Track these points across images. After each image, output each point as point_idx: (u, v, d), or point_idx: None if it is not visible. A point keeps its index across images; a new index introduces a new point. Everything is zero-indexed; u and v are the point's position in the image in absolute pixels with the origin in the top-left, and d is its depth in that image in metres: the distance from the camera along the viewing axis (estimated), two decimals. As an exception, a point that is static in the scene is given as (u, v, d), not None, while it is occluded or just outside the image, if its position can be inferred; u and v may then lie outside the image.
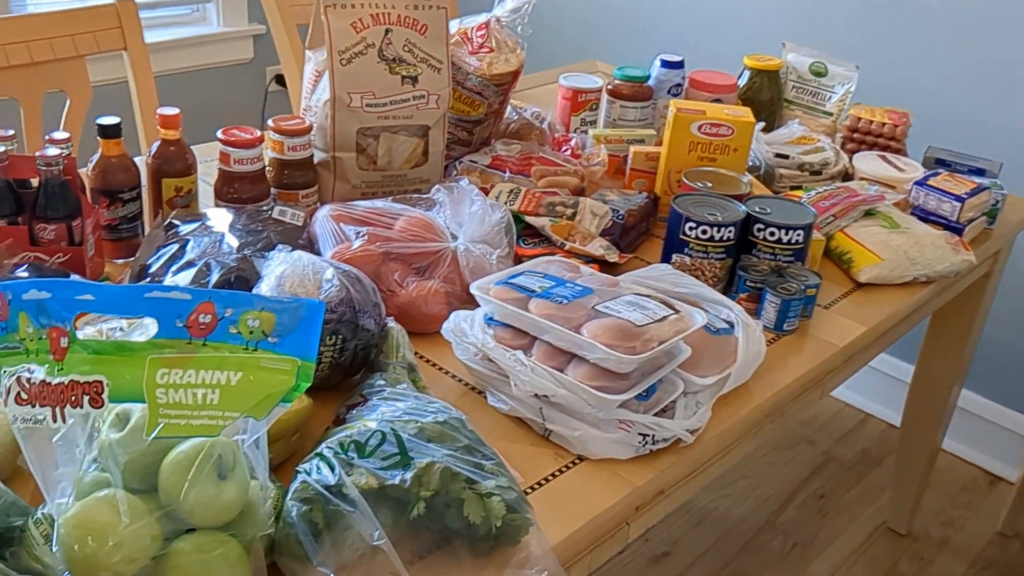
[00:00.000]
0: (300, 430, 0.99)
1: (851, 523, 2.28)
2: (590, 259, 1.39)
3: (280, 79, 3.17)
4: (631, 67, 1.86)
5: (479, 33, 1.58)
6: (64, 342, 0.76)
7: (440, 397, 1.11)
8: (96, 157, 1.29)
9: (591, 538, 1.00)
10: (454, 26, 1.58)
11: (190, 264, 1.19)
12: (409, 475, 0.85)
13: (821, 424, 2.60)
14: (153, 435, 0.74)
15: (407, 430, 0.90)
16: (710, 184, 1.47)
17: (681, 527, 2.21)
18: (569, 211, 1.47)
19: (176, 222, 1.30)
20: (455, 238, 1.29)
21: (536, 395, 1.05)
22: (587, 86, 1.84)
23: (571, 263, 1.20)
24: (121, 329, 0.90)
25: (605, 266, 1.39)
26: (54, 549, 0.74)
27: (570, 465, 1.05)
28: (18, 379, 0.78)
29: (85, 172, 1.30)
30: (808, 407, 1.59)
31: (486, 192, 1.53)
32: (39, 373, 0.77)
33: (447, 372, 1.19)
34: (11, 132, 1.20)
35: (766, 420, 1.24)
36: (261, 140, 1.37)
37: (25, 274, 1.11)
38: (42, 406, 0.77)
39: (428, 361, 1.20)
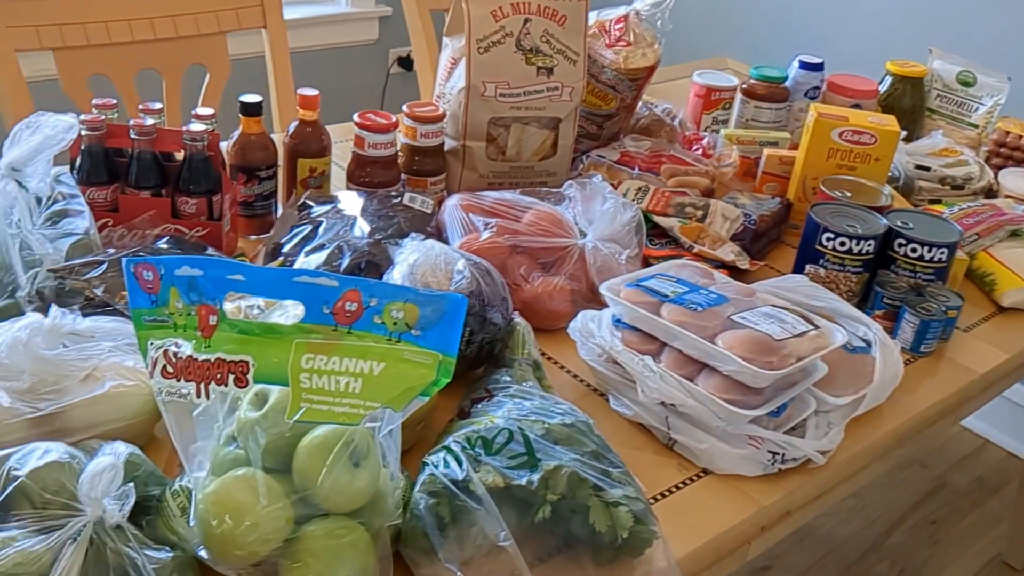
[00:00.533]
0: (425, 421, 0.99)
1: (963, 553, 2.19)
2: (719, 264, 1.35)
3: (403, 62, 3.19)
4: (768, 67, 1.80)
5: (617, 26, 1.55)
6: (213, 320, 0.77)
7: (561, 396, 1.10)
8: (236, 134, 1.31)
9: (714, 555, 0.97)
10: (592, 18, 1.55)
11: (322, 247, 1.20)
12: (536, 477, 0.84)
13: (937, 447, 2.49)
14: (295, 419, 0.74)
15: (534, 430, 0.89)
16: (849, 194, 1.42)
17: (784, 542, 2.15)
18: (699, 213, 1.44)
19: (310, 203, 1.31)
20: (583, 235, 1.27)
21: (663, 403, 1.03)
22: (721, 84, 1.79)
23: (704, 268, 1.17)
24: (260, 308, 0.91)
25: (734, 272, 1.35)
26: (191, 523, 0.76)
27: (694, 478, 1.02)
28: (165, 352, 0.79)
29: (225, 148, 1.32)
30: (939, 434, 1.52)
31: (614, 188, 1.50)
32: (186, 348, 0.78)
33: (568, 371, 1.17)
34: (159, 106, 1.23)
35: (896, 446, 1.19)
36: (395, 125, 1.37)
37: (165, 246, 1.14)
38: (187, 381, 0.78)
39: (549, 358, 1.18)
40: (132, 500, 0.77)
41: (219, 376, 0.76)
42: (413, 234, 1.11)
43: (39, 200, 1.17)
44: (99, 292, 1.05)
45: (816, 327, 1.05)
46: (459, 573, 0.78)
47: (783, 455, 1.02)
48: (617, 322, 1.10)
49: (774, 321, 1.03)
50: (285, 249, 1.22)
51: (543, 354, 1.19)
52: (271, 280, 0.76)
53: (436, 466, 0.85)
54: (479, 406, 0.98)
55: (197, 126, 1.19)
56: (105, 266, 1.06)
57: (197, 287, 0.78)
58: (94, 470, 0.75)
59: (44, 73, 1.65)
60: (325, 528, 0.77)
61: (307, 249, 1.21)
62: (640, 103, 1.72)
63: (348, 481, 0.77)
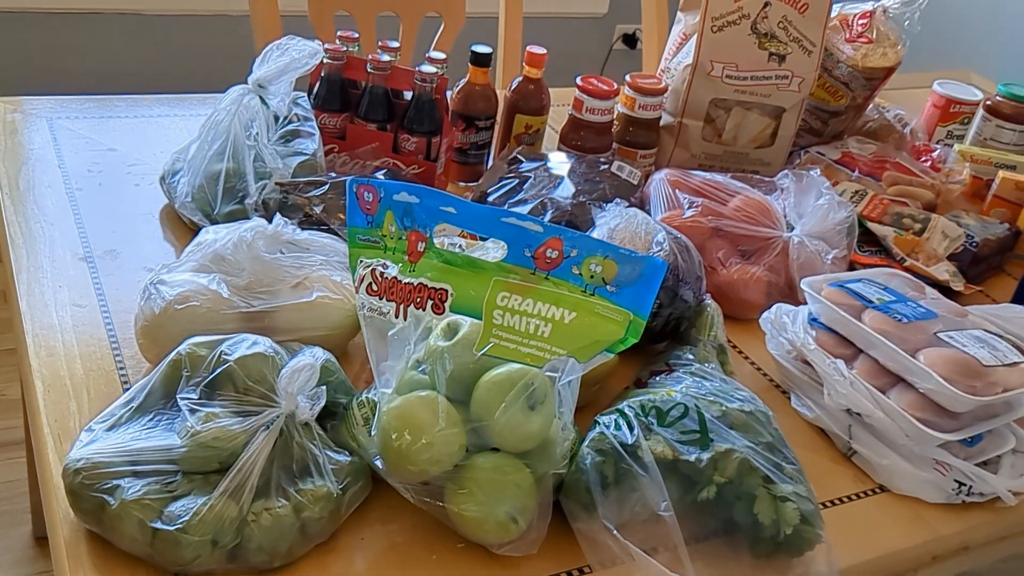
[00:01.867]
0: (601, 383, 1.00)
1: None
2: (930, 281, 1.28)
3: (627, 38, 3.18)
4: (1018, 85, 1.67)
5: (861, 21, 1.48)
6: (421, 246, 0.80)
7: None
8: (462, 82, 1.35)
9: (877, 575, 0.93)
10: (835, 10, 1.49)
11: (526, 201, 1.23)
12: (706, 456, 0.83)
13: None
14: (483, 352, 0.77)
15: (711, 411, 0.88)
16: (1091, 230, 1.30)
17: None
18: (918, 226, 1.36)
19: (521, 158, 1.34)
20: (791, 228, 1.23)
21: (848, 411, 0.99)
22: (963, 96, 1.68)
23: (916, 282, 1.11)
24: (461, 247, 0.95)
25: (945, 293, 1.27)
26: (372, 432, 0.80)
27: (869, 492, 0.98)
28: (372, 271, 0.84)
29: (450, 95, 1.36)
30: None
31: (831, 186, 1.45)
32: (392, 270, 0.82)
33: (752, 362, 1.14)
34: (396, 45, 1.28)
35: (1101, 505, 1.09)
36: (616, 93, 1.37)
37: (383, 177, 1.19)
38: (388, 300, 0.82)
39: (735, 346, 1.16)
40: (323, 402, 0.82)
41: (419, 300, 0.79)
42: (617, 200, 1.11)
43: (277, 118, 1.25)
44: (318, 210, 1.11)
45: (1031, 360, 0.98)
46: (616, 532, 0.79)
47: (970, 487, 0.96)
48: (813, 321, 1.06)
49: (984, 346, 0.97)
50: (491, 198, 1.26)
51: (729, 341, 1.16)
52: (481, 216, 0.78)
53: (607, 426, 0.86)
54: (657, 378, 0.98)
55: (429, 68, 1.23)
56: (327, 187, 1.13)
57: (412, 213, 0.81)
58: (294, 367, 0.80)
59: (295, 9, 1.75)
60: (493, 462, 0.80)
61: (512, 201, 1.23)
62: (872, 105, 1.64)
63: (521, 421, 0.79)
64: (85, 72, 2.46)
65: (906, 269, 1.31)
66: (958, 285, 1.28)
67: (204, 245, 0.97)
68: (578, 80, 1.37)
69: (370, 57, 1.23)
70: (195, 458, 0.76)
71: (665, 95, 1.43)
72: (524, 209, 1.20)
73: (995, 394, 0.93)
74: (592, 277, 0.75)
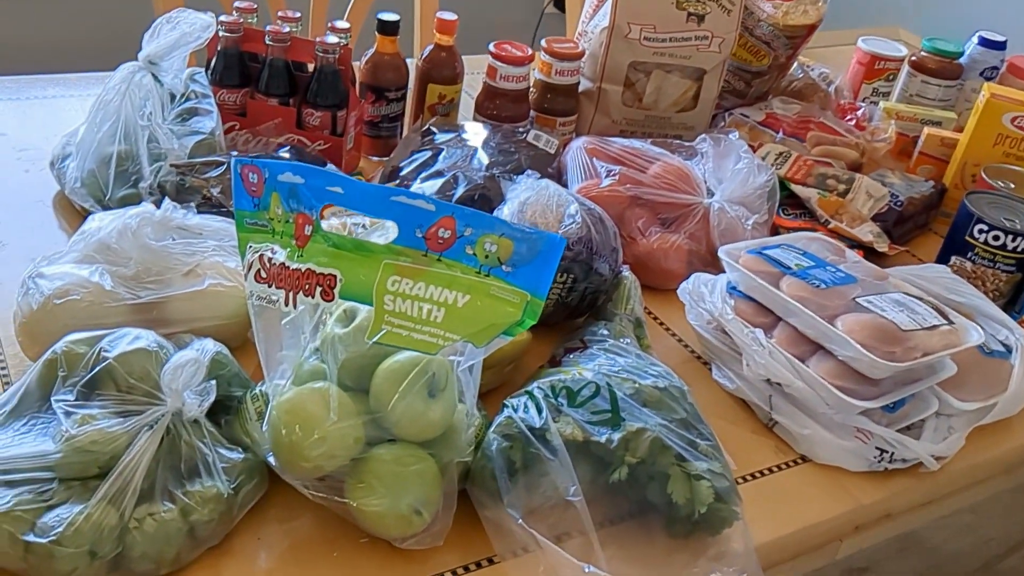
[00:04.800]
0: (515, 362, 0.96)
1: (1086, 589, 2.03)
2: (854, 243, 1.26)
3: (558, 1, 3.12)
4: (943, 40, 1.66)
5: (780, -22, 1.45)
6: (308, 230, 0.76)
7: (662, 359, 1.05)
8: (370, 52, 1.29)
9: (800, 547, 0.91)
10: (754, -33, 1.46)
11: (439, 174, 1.18)
12: (617, 436, 0.80)
13: (1073, 472, 2.31)
14: (374, 339, 0.72)
15: (623, 388, 0.85)
16: (1012, 185, 1.29)
17: (886, 548, 2.04)
18: (842, 187, 1.34)
19: (434, 129, 1.29)
20: (711, 194, 1.20)
21: (768, 381, 0.96)
22: (888, 53, 1.66)
23: (836, 244, 1.09)
24: (364, 227, 0.90)
25: (870, 255, 1.25)
26: (264, 428, 0.75)
27: (791, 463, 0.96)
28: (260, 257, 0.79)
29: (358, 66, 1.31)
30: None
31: (753, 151, 1.42)
32: (280, 255, 0.77)
33: (673, 334, 1.12)
34: (298, 15, 1.22)
35: (1024, 464, 1.09)
36: (531, 59, 1.33)
37: (287, 155, 1.14)
38: (278, 288, 0.77)
39: (655, 318, 1.13)
40: (212, 397, 0.77)
41: (307, 287, 0.75)
42: (529, 172, 1.07)
43: (173, 96, 1.19)
44: (216, 192, 1.06)
45: (950, 322, 0.96)
46: (521, 521, 0.76)
47: (892, 454, 0.94)
48: (732, 289, 1.03)
49: (903, 310, 0.95)
50: (403, 172, 1.21)
51: (649, 313, 1.14)
52: (368, 196, 0.74)
53: (515, 409, 0.82)
54: (571, 356, 0.94)
55: (331, 38, 1.17)
56: (224, 167, 1.07)
57: (297, 195, 0.76)
58: (176, 362, 0.75)
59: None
60: (394, 454, 0.76)
61: (424, 175, 1.19)
62: (796, 64, 1.62)
63: (421, 410, 0.75)
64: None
65: (830, 232, 1.29)
66: (882, 246, 1.27)
67: (88, 234, 0.91)
68: (491, 47, 1.32)
69: (268, 28, 1.16)
70: (72, 464, 0.72)
71: (583, 60, 1.38)
72: (437, 183, 1.16)
73: (913, 359, 0.91)
74: (487, 257, 0.71)
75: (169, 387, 0.75)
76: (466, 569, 0.78)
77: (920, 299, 0.99)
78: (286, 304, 0.77)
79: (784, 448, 0.97)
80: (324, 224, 0.76)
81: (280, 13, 1.21)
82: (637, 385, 0.86)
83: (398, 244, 0.73)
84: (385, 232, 0.75)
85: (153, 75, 1.13)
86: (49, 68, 1.45)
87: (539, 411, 0.82)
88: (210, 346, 0.81)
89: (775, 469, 0.95)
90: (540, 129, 1.31)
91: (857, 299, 0.96)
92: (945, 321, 0.96)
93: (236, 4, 1.20)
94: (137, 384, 0.76)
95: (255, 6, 1.21)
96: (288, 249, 0.77)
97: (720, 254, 1.03)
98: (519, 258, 0.71)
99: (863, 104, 1.57)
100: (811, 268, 1.00)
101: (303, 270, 0.75)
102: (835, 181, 1.35)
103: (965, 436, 0.99)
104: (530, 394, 0.84)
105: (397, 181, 1.20)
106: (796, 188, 1.33)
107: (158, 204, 0.95)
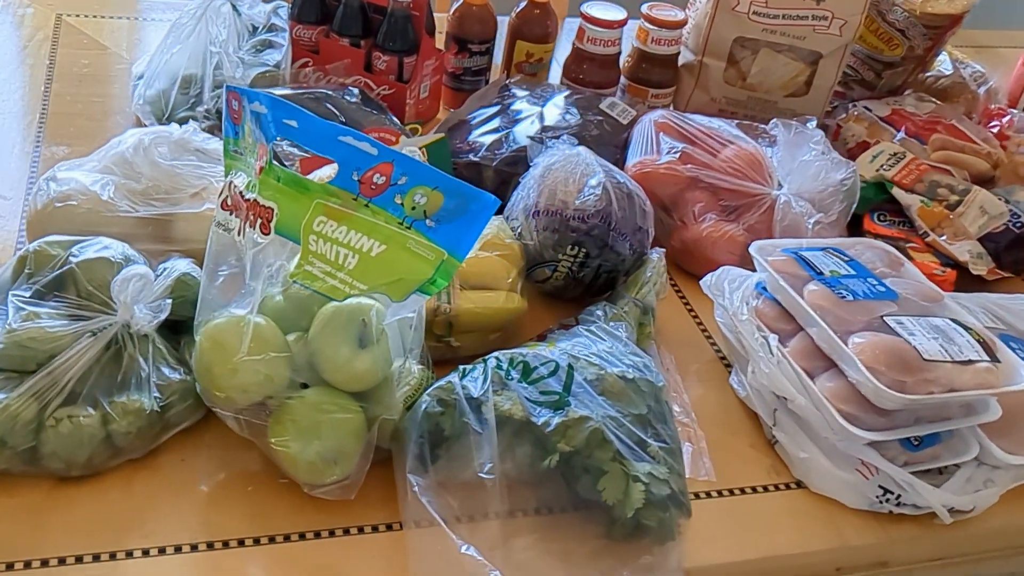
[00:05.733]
0: (502, 331, 0.92)
1: None
2: (949, 262, 1.12)
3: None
4: None
5: (923, -42, 1.29)
6: (263, 161, 0.75)
7: (685, 356, 0.98)
8: (459, 2, 1.27)
9: (763, 577, 0.82)
10: (896, -57, 1.31)
11: (496, 130, 1.15)
12: (556, 420, 0.75)
13: None
14: (294, 280, 0.71)
15: (586, 372, 0.79)
16: None
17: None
18: (954, 197, 1.19)
19: (512, 87, 1.25)
20: (781, 186, 1.09)
21: (776, 394, 0.87)
22: (1059, 56, 1.46)
23: (895, 255, 0.96)
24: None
25: (965, 277, 1.11)
26: (192, 355, 0.76)
27: (782, 487, 0.86)
28: (229, 184, 0.79)
29: (447, 15, 1.29)
30: None
31: (866, 147, 1.29)
32: (242, 183, 0.77)
33: (704, 330, 1.03)
34: (383, -45, 1.21)
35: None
36: (623, 23, 1.25)
37: (343, 97, 1.13)
38: (235, 216, 0.77)
39: (691, 311, 1.05)
40: (164, 314, 0.79)
41: (252, 218, 0.74)
42: (565, 136, 1.02)
43: (256, 28, 1.21)
44: (260, 123, 1.07)
45: (995, 360, 0.83)
46: (416, 490, 0.72)
47: (899, 496, 0.83)
48: (761, 288, 0.94)
49: (938, 337, 0.83)
50: (470, 127, 1.18)
51: (687, 305, 1.06)
52: (318, 133, 0.72)
53: (464, 375, 0.79)
54: (556, 332, 0.89)
55: (403, -19, 1.16)
56: (273, 100, 1.08)
57: (260, 125, 0.75)
58: (123, 276, 0.77)
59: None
60: (317, 399, 0.74)
61: (482, 130, 1.15)
62: (947, 59, 1.45)
63: (346, 359, 0.73)
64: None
65: (928, 246, 1.15)
66: (979, 269, 1.11)
67: (111, 145, 0.95)
68: (583, 7, 1.26)
69: (347, -34, 1.16)
70: (11, 356, 0.75)
71: (686, 29, 1.30)
72: (489, 138, 1.12)
73: (928, 393, 0.79)
74: (413, 209, 0.68)
75: (118, 298, 0.77)
76: (375, 529, 0.76)
77: (969, 329, 0.86)
78: (238, 234, 0.76)
79: (780, 469, 0.88)
80: (279, 155, 0.74)
81: (365, -47, 1.21)
82: (602, 372, 0.80)
83: (333, 184, 0.70)
84: (328, 171, 0.72)
85: (233, 5, 1.16)
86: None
87: (485, 380, 0.77)
88: (181, 266, 0.82)
89: (762, 489, 0.86)
90: (621, 99, 1.24)
91: (885, 317, 0.85)
92: (987, 358, 0.82)
93: (326, -59, 1.21)
94: (95, 292, 0.78)
95: (344, -56, 1.21)
96: (249, 179, 0.77)
97: (751, 249, 0.94)
98: (445, 214, 0.67)
99: (1015, 112, 1.38)
100: (846, 277, 0.89)
101: (251, 200, 0.74)
102: (947, 191, 1.20)
103: (1001, 493, 0.85)
104: (485, 362, 0.80)
105: (459, 131, 1.18)
106: (898, 193, 1.19)
107: (218, 130, 0.97)
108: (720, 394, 0.95)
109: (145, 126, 1.13)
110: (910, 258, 1.11)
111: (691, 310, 1.06)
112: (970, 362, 0.82)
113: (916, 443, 0.85)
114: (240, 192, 0.77)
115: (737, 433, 0.91)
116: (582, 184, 0.95)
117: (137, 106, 1.14)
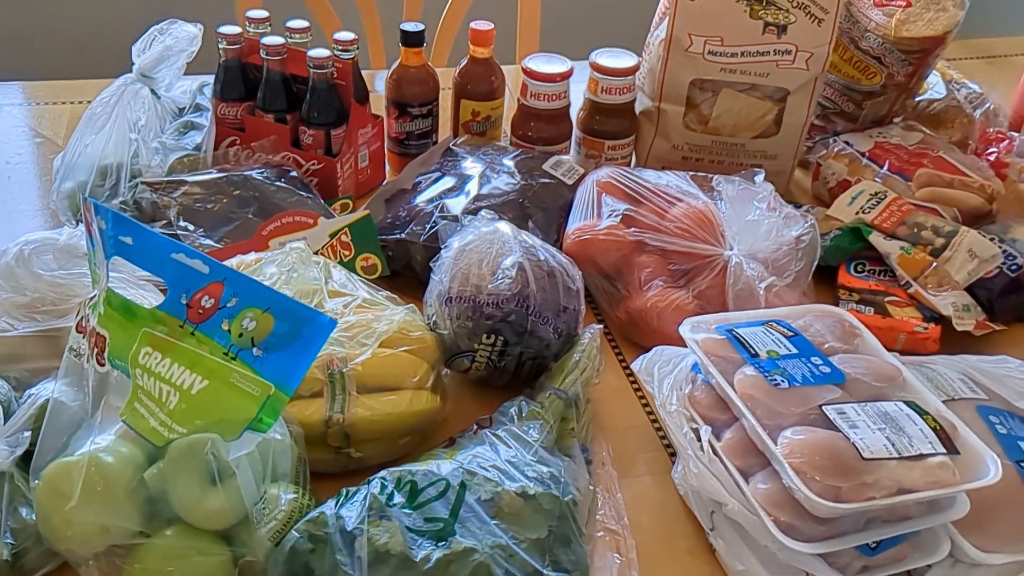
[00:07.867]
0: (412, 434, 0.84)
1: None
2: (934, 316, 1.01)
3: None
4: None
5: (892, -21, 1.19)
6: (104, 283, 0.68)
7: (626, 444, 0.89)
8: (395, 65, 1.20)
9: None
10: (862, -36, 1.21)
11: (433, 199, 1.07)
12: (437, 555, 0.67)
13: None
14: (123, 418, 0.64)
15: (481, 491, 0.71)
16: None
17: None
18: (939, 240, 1.08)
19: (457, 150, 1.18)
20: (732, 247, 1.00)
21: (711, 494, 0.77)
22: (1064, 70, 1.33)
23: (851, 325, 0.85)
24: (248, 264, 0.82)
25: (951, 332, 0.99)
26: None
27: (722, 602, 0.76)
28: (82, 304, 0.73)
29: (385, 78, 1.22)
30: None
31: (847, 186, 1.18)
32: (88, 307, 0.71)
33: (650, 412, 0.94)
34: (304, 24, 1.15)
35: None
36: (567, 75, 1.17)
37: (257, 176, 1.07)
38: (86, 339, 0.71)
39: (638, 390, 0.96)
40: (22, 448, 0.73)
41: (91, 346, 0.68)
42: (484, 211, 0.94)
43: (182, 109, 1.16)
44: (172, 214, 1.01)
45: (953, 452, 0.72)
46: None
47: (853, 614, 0.72)
48: (699, 371, 0.85)
49: (886, 427, 0.72)
50: (409, 198, 1.10)
51: (632, 381, 0.97)
52: (151, 250, 0.65)
53: (342, 503, 0.71)
54: (466, 435, 0.81)
55: (321, 52, 1.09)
56: (186, 188, 1.03)
57: (103, 242, 0.69)
58: (-33, 410, 0.71)
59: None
60: (171, 543, 0.67)
61: (424, 197, 1.08)
62: (939, 81, 1.33)
63: (197, 498, 0.66)
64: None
65: (911, 298, 1.04)
66: (965, 324, 1.00)
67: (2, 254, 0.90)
68: (524, 62, 1.18)
69: (264, 40, 1.10)
70: None
71: (640, 74, 1.21)
72: (424, 210, 1.05)
73: (867, 499, 0.68)
74: (240, 336, 0.60)
75: (-32, 435, 0.71)
76: None
77: (925, 415, 0.75)
78: (87, 361, 0.70)
79: (720, 581, 0.78)
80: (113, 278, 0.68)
81: (286, 23, 1.15)
82: (498, 490, 0.71)
83: (162, 309, 0.64)
84: (156, 293, 0.66)
85: (151, 88, 1.11)
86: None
87: (363, 508, 0.69)
88: (46, 391, 0.76)
89: (699, 607, 0.76)
90: (578, 152, 1.16)
91: (826, 407, 0.74)
92: (943, 450, 0.72)
93: (248, 14, 1.15)
94: (-48, 426, 0.73)
95: (266, 15, 1.15)
96: (94, 299, 0.70)
97: (681, 329, 0.84)
98: (275, 340, 0.60)
99: (1017, 136, 1.26)
100: (785, 358, 0.79)
101: (90, 327, 0.68)
102: (931, 233, 1.08)
103: (980, 601, 0.74)
104: (368, 483, 0.72)
105: (398, 200, 1.11)
106: (876, 240, 1.08)
107: (143, 221, 0.92)
108: (662, 490, 0.85)
109: (62, 224, 1.08)
110: (889, 315, 1.01)
111: (638, 390, 0.96)
112: (921, 456, 0.71)
113: (873, 546, 0.74)
114: (86, 315, 0.70)
115: (675, 537, 0.81)
116: (496, 266, 0.87)
117: (54, 201, 1.09)
